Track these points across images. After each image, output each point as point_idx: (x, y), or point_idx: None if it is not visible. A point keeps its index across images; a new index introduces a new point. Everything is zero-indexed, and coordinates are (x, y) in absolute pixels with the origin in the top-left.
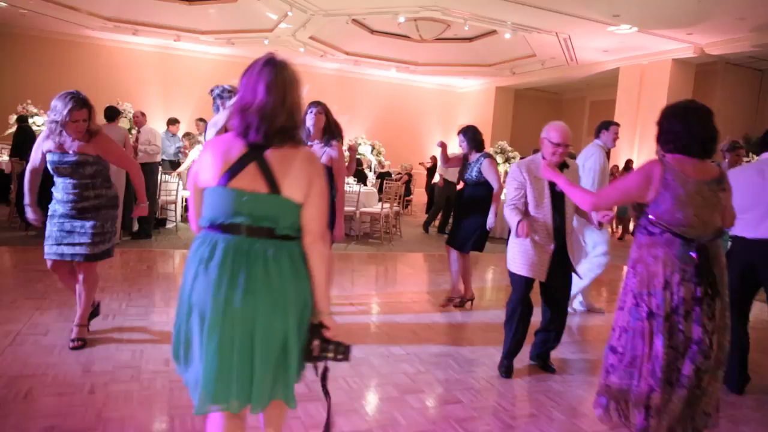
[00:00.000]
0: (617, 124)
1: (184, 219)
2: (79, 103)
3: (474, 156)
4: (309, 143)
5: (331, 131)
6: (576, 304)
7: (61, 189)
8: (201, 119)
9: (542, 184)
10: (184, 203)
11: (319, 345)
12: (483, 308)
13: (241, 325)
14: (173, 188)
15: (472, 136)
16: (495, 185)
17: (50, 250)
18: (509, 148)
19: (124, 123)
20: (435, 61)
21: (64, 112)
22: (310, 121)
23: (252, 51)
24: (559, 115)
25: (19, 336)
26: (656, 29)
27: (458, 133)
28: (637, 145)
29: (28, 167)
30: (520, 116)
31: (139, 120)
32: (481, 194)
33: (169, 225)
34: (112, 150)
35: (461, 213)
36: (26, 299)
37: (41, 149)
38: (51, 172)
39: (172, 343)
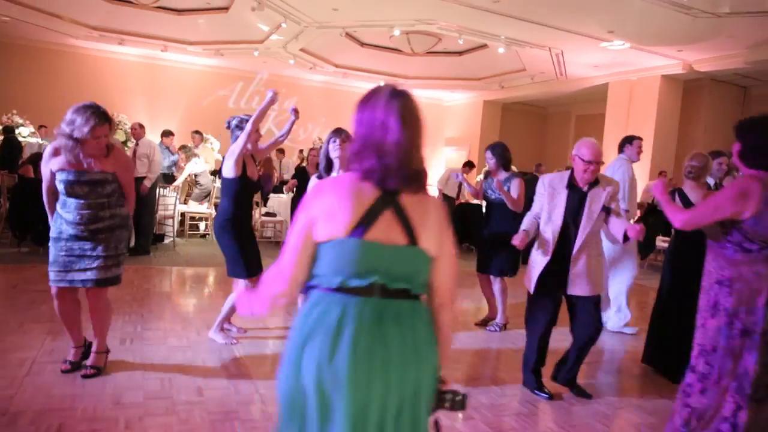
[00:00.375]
0: (640, 138)
1: (181, 234)
2: (102, 117)
3: (502, 175)
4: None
5: None
6: (614, 323)
7: (73, 209)
8: (197, 132)
9: (559, 200)
10: (180, 218)
11: (437, 395)
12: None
13: (380, 408)
14: (170, 203)
15: (501, 153)
16: (513, 205)
17: (57, 277)
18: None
19: (119, 135)
20: (424, 75)
21: (85, 129)
22: (335, 152)
23: (241, 62)
24: (544, 129)
25: (35, 364)
26: (649, 46)
27: (486, 150)
28: None
29: (44, 187)
30: (507, 130)
31: (137, 132)
32: (511, 215)
33: (167, 240)
34: (130, 167)
35: (489, 236)
36: (34, 323)
37: (49, 168)
38: (61, 192)
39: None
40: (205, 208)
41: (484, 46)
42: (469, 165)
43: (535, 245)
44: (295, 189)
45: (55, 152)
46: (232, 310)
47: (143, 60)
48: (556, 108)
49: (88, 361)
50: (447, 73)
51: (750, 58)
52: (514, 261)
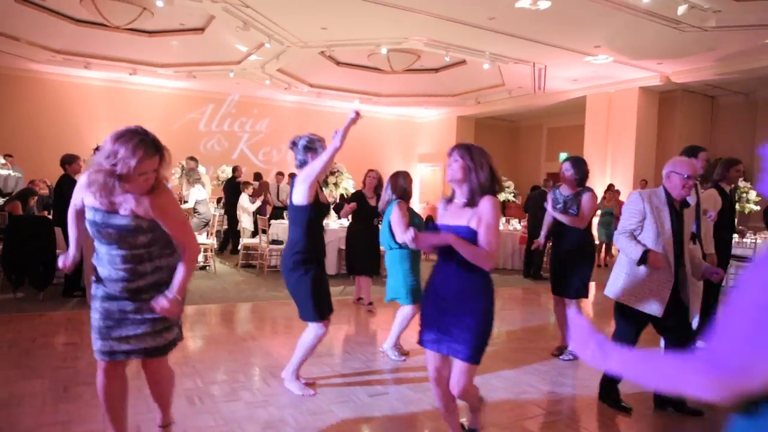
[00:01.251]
0: (704, 150)
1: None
2: (151, 147)
3: (572, 190)
4: None
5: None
6: None
7: (106, 262)
8: (192, 158)
9: (664, 216)
10: None
11: None
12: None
13: None
14: None
15: (580, 166)
16: (575, 222)
17: (97, 346)
18: (503, 178)
19: None
20: (399, 92)
21: (132, 162)
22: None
23: (214, 84)
24: (517, 143)
25: None
26: (631, 59)
27: (565, 161)
28: (609, 170)
29: (71, 209)
30: (480, 144)
31: None
32: (583, 232)
33: None
34: (171, 209)
35: (566, 255)
36: (81, 386)
37: (81, 196)
38: (92, 236)
39: None
40: (205, 239)
41: (462, 62)
42: None
43: (636, 261)
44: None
45: (91, 185)
46: (306, 355)
47: (110, 84)
48: (527, 121)
49: None
50: (422, 90)
51: (723, 70)
52: (588, 281)
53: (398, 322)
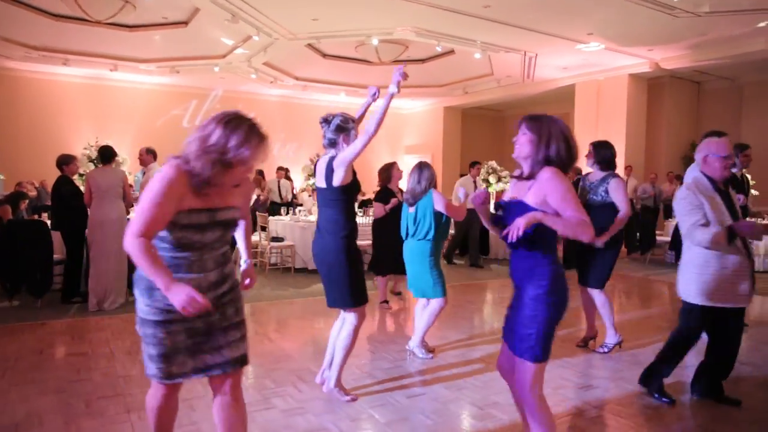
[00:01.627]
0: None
1: None
2: (261, 134)
3: (598, 175)
4: None
5: None
6: None
7: (197, 269)
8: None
9: (718, 203)
10: None
11: None
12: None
13: None
14: None
15: (601, 150)
16: (623, 207)
17: (180, 369)
18: (499, 168)
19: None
20: (386, 84)
21: (247, 152)
22: None
23: (198, 79)
24: (504, 132)
25: None
26: (623, 46)
27: (592, 145)
28: None
29: (150, 233)
30: (467, 134)
31: (144, 158)
32: (613, 217)
33: None
34: (249, 197)
35: (591, 245)
36: (102, 399)
37: (174, 201)
38: (173, 245)
39: None
40: None
41: (450, 52)
42: (473, 165)
43: (705, 253)
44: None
45: (183, 181)
46: (348, 352)
47: (90, 81)
48: (513, 110)
49: None
50: (409, 81)
51: (712, 55)
52: (611, 269)
53: (426, 319)
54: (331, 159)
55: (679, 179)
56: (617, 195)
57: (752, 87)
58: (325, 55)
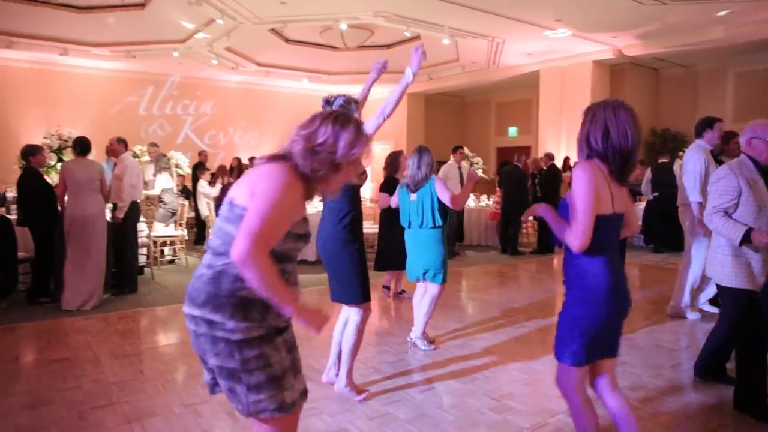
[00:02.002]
0: (720, 121)
1: (159, 263)
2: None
3: None
4: None
5: None
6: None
7: (294, 279)
8: (154, 144)
9: (762, 187)
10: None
11: None
12: None
13: None
14: (142, 228)
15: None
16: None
17: (291, 397)
18: (471, 154)
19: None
20: (349, 70)
21: (358, 152)
22: None
23: (155, 65)
24: (465, 118)
25: None
26: (589, 33)
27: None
28: (565, 143)
29: (264, 245)
30: (431, 121)
31: (116, 148)
32: None
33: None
34: None
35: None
36: (97, 409)
37: (292, 208)
38: (282, 254)
39: None
40: (174, 230)
41: (416, 37)
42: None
43: (738, 246)
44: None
45: (299, 185)
46: (356, 350)
47: (37, 66)
48: (476, 97)
49: None
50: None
51: (673, 43)
52: None
53: (426, 306)
54: None
55: (642, 164)
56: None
57: (707, 74)
58: (288, 40)
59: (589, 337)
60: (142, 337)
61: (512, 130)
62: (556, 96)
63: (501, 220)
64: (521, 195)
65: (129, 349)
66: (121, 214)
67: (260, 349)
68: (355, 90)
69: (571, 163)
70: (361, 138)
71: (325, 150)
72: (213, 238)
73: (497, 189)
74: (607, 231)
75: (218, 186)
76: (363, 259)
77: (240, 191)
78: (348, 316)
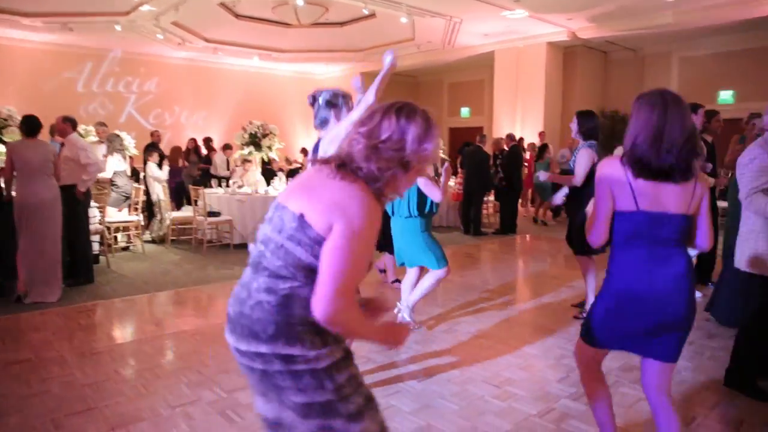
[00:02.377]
0: (703, 107)
1: (113, 251)
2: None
3: (578, 145)
4: None
5: None
6: None
7: None
8: (101, 123)
9: None
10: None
11: None
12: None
13: None
14: (94, 214)
15: (585, 120)
16: (576, 174)
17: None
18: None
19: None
20: (301, 48)
21: (430, 146)
22: None
23: (95, 39)
24: (417, 98)
25: None
26: (545, 14)
27: (576, 115)
28: (519, 123)
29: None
30: (382, 101)
31: (62, 128)
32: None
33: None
34: None
35: (575, 212)
36: (72, 416)
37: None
38: None
39: None
40: (128, 215)
41: (372, 15)
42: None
43: None
44: None
45: (378, 210)
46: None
47: None
48: (428, 77)
49: None
50: (327, 45)
51: (625, 26)
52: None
53: (427, 282)
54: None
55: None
56: (577, 163)
57: (652, 58)
58: (238, 16)
59: (601, 324)
60: (108, 332)
61: (465, 111)
62: (512, 77)
63: (463, 200)
64: (483, 176)
65: (97, 345)
66: (83, 188)
67: (348, 370)
68: (306, 69)
69: (525, 144)
70: (430, 131)
71: (390, 147)
72: (270, 258)
73: (459, 170)
74: (631, 229)
75: (166, 168)
76: None
77: (311, 208)
78: None
